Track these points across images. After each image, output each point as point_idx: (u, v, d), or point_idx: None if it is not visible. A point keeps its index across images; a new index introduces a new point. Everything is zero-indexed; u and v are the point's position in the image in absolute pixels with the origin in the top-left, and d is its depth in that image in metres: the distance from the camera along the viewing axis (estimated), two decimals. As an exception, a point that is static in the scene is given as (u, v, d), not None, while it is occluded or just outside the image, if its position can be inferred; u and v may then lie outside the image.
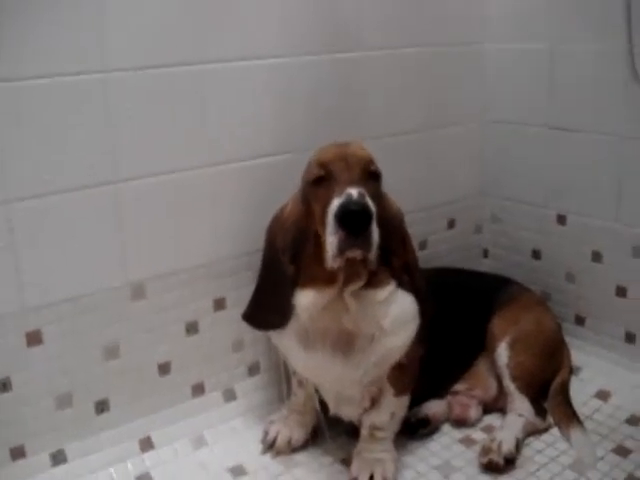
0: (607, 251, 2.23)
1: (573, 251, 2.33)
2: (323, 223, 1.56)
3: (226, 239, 1.98)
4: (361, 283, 1.65)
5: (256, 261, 1.85)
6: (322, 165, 1.63)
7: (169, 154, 1.84)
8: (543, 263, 2.45)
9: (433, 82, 2.36)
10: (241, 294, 1.96)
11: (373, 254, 1.53)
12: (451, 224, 2.54)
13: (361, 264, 1.59)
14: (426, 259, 2.30)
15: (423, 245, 2.43)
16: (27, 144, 1.63)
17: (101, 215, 1.77)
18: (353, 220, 1.49)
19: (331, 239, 1.52)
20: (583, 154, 2.24)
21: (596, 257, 2.26)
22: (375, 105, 2.22)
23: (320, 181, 1.63)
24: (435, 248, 2.49)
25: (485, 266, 2.63)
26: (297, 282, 1.71)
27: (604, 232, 2.22)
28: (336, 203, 1.52)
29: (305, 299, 1.69)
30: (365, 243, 1.51)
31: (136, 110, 1.77)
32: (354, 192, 1.52)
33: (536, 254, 2.47)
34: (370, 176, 1.63)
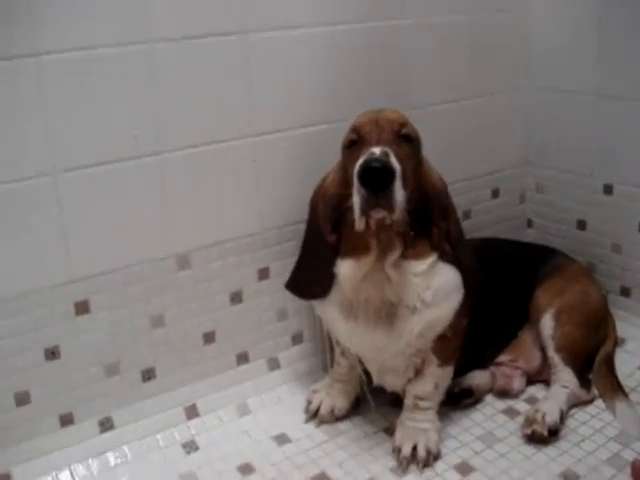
0: (655, 222, 2.20)
1: (619, 221, 2.30)
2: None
3: (270, 209, 1.98)
4: (398, 252, 1.64)
5: (300, 231, 1.86)
6: (355, 130, 1.64)
7: (214, 124, 1.84)
8: (588, 233, 2.42)
9: (479, 49, 2.32)
10: (285, 264, 1.98)
11: (398, 215, 1.52)
12: (495, 194, 2.51)
13: (393, 232, 1.60)
14: (470, 229, 2.28)
15: (467, 215, 2.42)
16: (75, 115, 1.65)
17: (147, 186, 1.78)
18: (373, 177, 1.48)
19: (355, 199, 1.52)
20: (631, 123, 2.19)
21: (643, 228, 2.23)
22: (420, 73, 2.19)
23: (353, 145, 1.63)
24: (479, 218, 2.47)
25: (529, 236, 2.61)
26: (339, 252, 1.72)
27: (652, 202, 2.19)
28: (359, 163, 1.51)
29: (345, 269, 1.70)
30: (388, 202, 1.50)
31: (180, 80, 1.77)
32: (377, 150, 1.51)
33: (581, 224, 2.43)
34: (402, 139, 1.62)
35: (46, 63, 1.59)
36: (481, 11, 2.30)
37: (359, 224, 1.54)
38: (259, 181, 1.95)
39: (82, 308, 1.75)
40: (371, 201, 1.50)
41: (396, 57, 2.13)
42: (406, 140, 1.63)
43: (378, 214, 1.52)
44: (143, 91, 1.73)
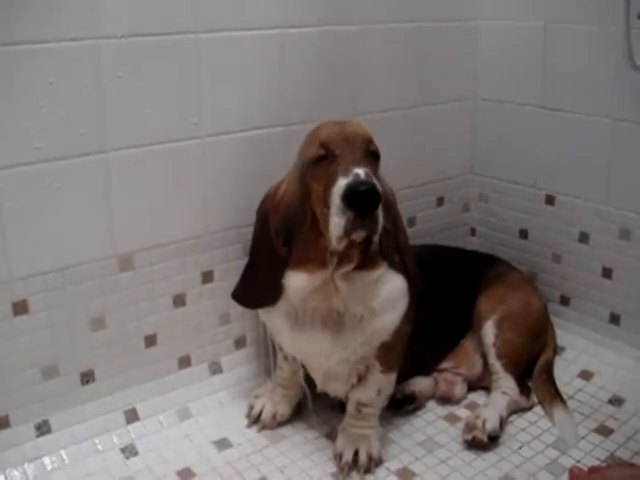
0: (594, 232, 2.23)
1: (560, 232, 2.34)
2: (323, 203, 1.54)
3: (216, 212, 1.96)
4: (352, 266, 1.63)
5: (245, 235, 1.85)
6: (323, 144, 1.59)
7: (160, 124, 1.82)
8: (530, 243, 2.45)
9: (427, 58, 2.34)
10: (229, 267, 1.98)
11: (377, 236, 1.52)
12: (440, 202, 2.54)
13: (357, 247, 1.58)
14: (414, 236, 2.29)
15: (412, 222, 2.43)
16: (15, 112, 1.61)
17: (90, 185, 1.75)
18: (362, 201, 1.47)
19: (337, 220, 1.50)
20: (574, 135, 2.23)
21: (583, 238, 2.26)
22: (368, 80, 2.20)
23: (321, 160, 1.59)
24: (423, 225, 2.49)
25: (472, 244, 2.64)
26: (288, 263, 1.69)
27: (592, 213, 2.22)
28: (343, 183, 1.49)
29: (296, 281, 1.67)
30: (372, 224, 1.50)
31: (128, 79, 1.74)
32: (361, 172, 1.49)
33: (523, 234, 2.47)
34: (371, 156, 1.60)
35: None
36: (430, 20, 2.31)
37: (338, 245, 1.52)
38: (205, 183, 1.93)
39: (20, 308, 1.71)
40: (357, 223, 1.49)
41: (345, 63, 2.13)
42: (374, 157, 1.62)
43: (359, 235, 1.51)
44: (89, 88, 1.69)
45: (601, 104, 2.14)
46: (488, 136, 2.53)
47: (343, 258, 1.61)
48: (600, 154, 2.16)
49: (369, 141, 1.61)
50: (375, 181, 1.50)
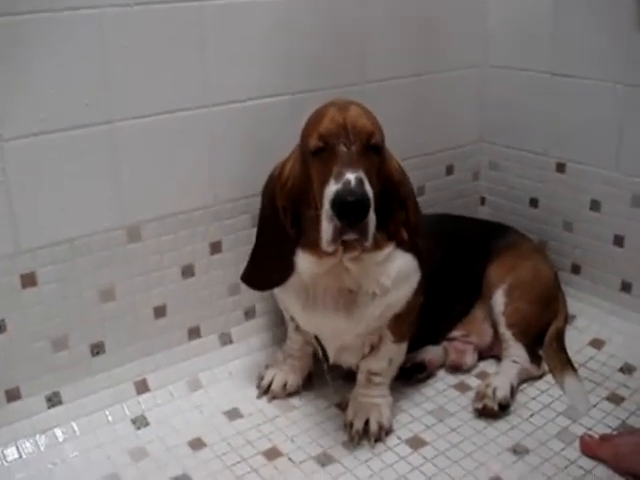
0: (606, 200, 2.21)
1: (571, 200, 2.31)
2: (321, 197, 1.52)
3: (223, 182, 1.95)
4: (358, 251, 1.61)
5: (253, 204, 1.84)
6: (322, 137, 1.56)
7: (167, 94, 1.80)
8: (541, 211, 2.43)
9: (435, 24, 2.30)
10: (238, 237, 1.98)
11: (370, 242, 1.51)
12: (449, 170, 2.52)
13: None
14: (424, 205, 2.24)
15: (421, 191, 2.41)
16: (21, 82, 1.59)
17: (97, 155, 1.74)
18: (350, 211, 1.45)
19: (326, 226, 1.50)
20: (585, 102, 2.20)
21: (594, 206, 2.24)
22: (375, 47, 2.17)
23: (320, 153, 1.57)
24: (433, 194, 2.47)
25: (482, 213, 2.62)
26: (298, 241, 1.68)
27: (603, 181, 2.20)
28: (332, 189, 1.47)
29: (306, 264, 1.67)
30: (362, 231, 1.49)
31: (133, 48, 1.72)
32: (352, 178, 1.46)
33: (534, 202, 2.45)
34: (371, 150, 1.57)
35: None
36: (438, -14, 2.28)
37: (327, 247, 1.52)
38: (212, 153, 1.91)
39: (29, 280, 1.70)
40: (344, 231, 1.48)
41: (351, 30, 2.10)
42: (374, 151, 1.58)
43: (349, 237, 1.51)
44: (94, 58, 1.68)
45: (611, 70, 2.11)
46: (498, 103, 2.50)
47: (348, 244, 1.58)
48: (611, 121, 2.14)
49: (370, 134, 1.56)
50: (366, 187, 1.47)
